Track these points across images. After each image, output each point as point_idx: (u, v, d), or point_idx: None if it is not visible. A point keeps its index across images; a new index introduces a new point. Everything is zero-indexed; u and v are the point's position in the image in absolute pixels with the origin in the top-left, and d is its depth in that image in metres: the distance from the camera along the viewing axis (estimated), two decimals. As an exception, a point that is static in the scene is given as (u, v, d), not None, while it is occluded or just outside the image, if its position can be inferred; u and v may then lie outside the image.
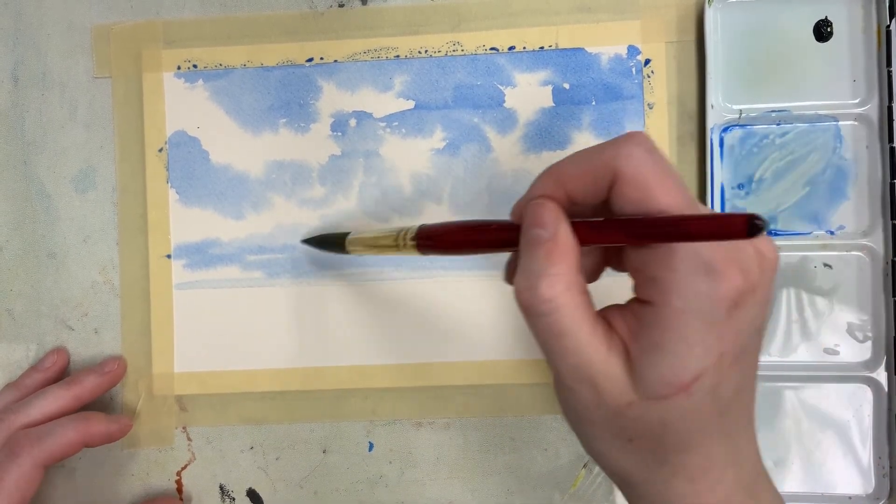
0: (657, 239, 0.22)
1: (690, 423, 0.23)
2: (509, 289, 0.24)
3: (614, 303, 0.25)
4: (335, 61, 0.39)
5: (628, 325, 0.23)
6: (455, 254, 0.29)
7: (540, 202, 0.24)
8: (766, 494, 0.26)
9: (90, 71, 0.40)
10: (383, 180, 0.39)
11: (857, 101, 0.37)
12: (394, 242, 0.30)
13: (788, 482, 0.38)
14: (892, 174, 0.37)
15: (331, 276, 0.39)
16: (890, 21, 0.37)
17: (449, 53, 0.39)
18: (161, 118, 0.40)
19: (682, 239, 0.21)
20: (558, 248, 0.23)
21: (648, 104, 0.38)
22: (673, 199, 0.22)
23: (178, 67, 0.40)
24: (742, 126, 0.38)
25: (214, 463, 0.40)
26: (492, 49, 0.39)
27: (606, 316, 0.24)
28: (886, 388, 0.37)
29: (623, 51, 0.38)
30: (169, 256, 0.40)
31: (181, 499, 0.40)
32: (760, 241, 0.23)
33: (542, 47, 0.39)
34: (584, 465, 0.39)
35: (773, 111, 0.38)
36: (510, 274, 0.26)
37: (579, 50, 0.38)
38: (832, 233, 0.38)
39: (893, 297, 0.37)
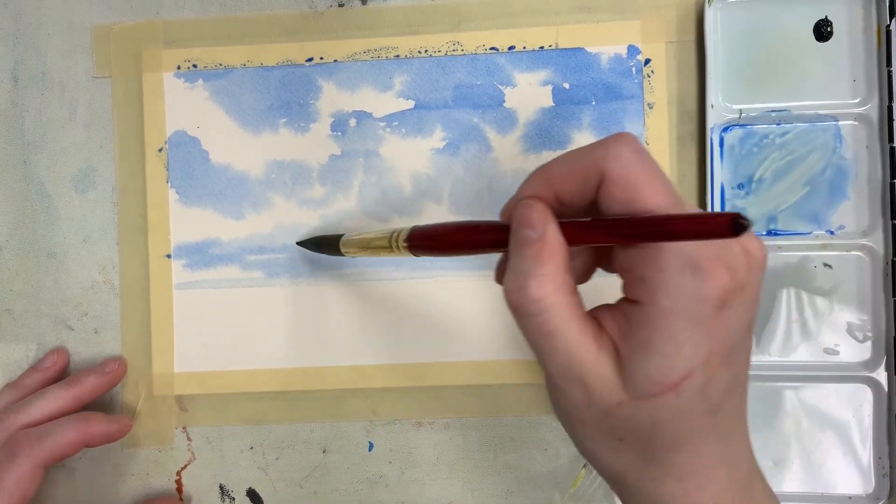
0: (643, 239, 0.22)
1: (680, 423, 0.23)
2: None
3: (606, 303, 0.25)
4: (335, 61, 0.39)
5: (618, 324, 0.24)
6: (447, 255, 0.29)
7: (528, 202, 0.24)
8: (761, 494, 0.26)
9: (90, 71, 0.40)
10: (383, 180, 0.39)
11: (857, 100, 0.37)
12: (387, 244, 0.31)
13: (788, 482, 0.38)
14: (892, 174, 0.37)
15: (331, 276, 0.39)
16: (890, 21, 0.37)
17: (449, 53, 0.39)
18: (161, 118, 0.40)
19: (668, 238, 0.21)
20: (547, 248, 0.23)
21: (648, 104, 0.38)
22: (660, 199, 0.22)
23: (178, 67, 0.40)
24: (742, 126, 0.38)
25: (214, 463, 0.40)
26: (492, 49, 0.39)
27: (596, 316, 0.24)
28: (886, 388, 0.37)
29: (623, 51, 0.38)
30: (169, 256, 0.40)
31: (181, 499, 0.40)
32: (748, 240, 0.24)
33: (542, 47, 0.39)
34: (584, 465, 0.39)
35: (773, 111, 0.38)
36: (500, 274, 0.26)
37: (579, 50, 0.38)
38: (832, 233, 0.38)
39: (893, 297, 0.37)
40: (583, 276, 0.26)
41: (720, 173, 0.38)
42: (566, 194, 0.24)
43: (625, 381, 0.23)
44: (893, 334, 0.37)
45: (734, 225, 0.19)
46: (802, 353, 0.38)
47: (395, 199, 0.39)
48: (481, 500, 0.39)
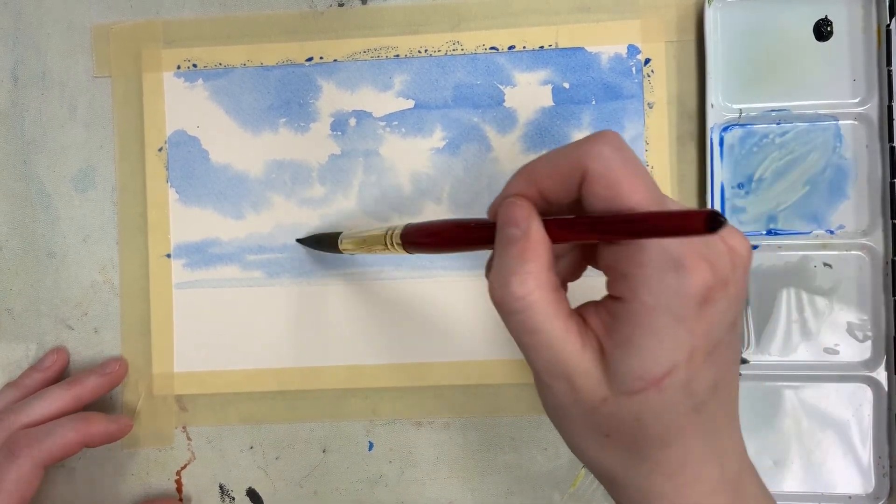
0: (623, 235, 0.22)
1: (664, 419, 0.23)
2: None
3: (592, 301, 0.25)
4: (335, 61, 0.39)
5: (602, 321, 0.24)
6: (438, 252, 0.29)
7: (512, 201, 0.24)
8: (753, 490, 0.26)
9: (90, 70, 0.40)
10: (383, 180, 0.39)
11: (856, 100, 0.37)
12: (383, 241, 0.31)
13: (788, 482, 0.38)
14: (892, 173, 0.37)
15: (331, 276, 0.39)
16: (890, 20, 0.37)
17: (449, 53, 0.39)
18: (161, 118, 0.40)
19: (646, 235, 0.21)
20: (530, 245, 0.23)
21: (648, 103, 0.38)
22: (641, 196, 0.22)
23: (178, 67, 0.40)
24: (742, 125, 0.38)
25: (214, 463, 0.40)
26: (492, 48, 0.39)
27: (582, 313, 0.24)
28: (886, 388, 0.37)
29: (623, 50, 0.38)
30: (169, 256, 0.40)
31: (181, 498, 0.40)
32: (732, 237, 0.24)
33: (541, 47, 0.39)
34: (584, 465, 0.39)
35: (772, 110, 0.38)
36: (489, 271, 0.26)
37: (579, 49, 0.38)
38: (832, 232, 0.38)
39: (893, 296, 0.37)
40: (572, 274, 0.27)
41: (720, 173, 0.38)
42: (550, 192, 0.24)
43: (608, 378, 0.23)
44: (893, 334, 0.37)
45: (710, 221, 0.19)
46: (802, 353, 0.38)
47: (394, 198, 0.39)
48: (481, 499, 0.39)
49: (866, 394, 0.38)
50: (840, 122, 0.38)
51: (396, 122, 0.39)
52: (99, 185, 0.40)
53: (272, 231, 0.40)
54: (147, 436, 0.40)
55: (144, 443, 0.40)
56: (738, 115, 0.38)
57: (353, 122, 0.39)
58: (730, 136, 0.38)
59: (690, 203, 0.38)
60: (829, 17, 0.38)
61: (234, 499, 0.40)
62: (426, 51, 0.39)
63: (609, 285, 0.24)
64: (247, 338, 0.39)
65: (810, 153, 0.38)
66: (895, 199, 0.37)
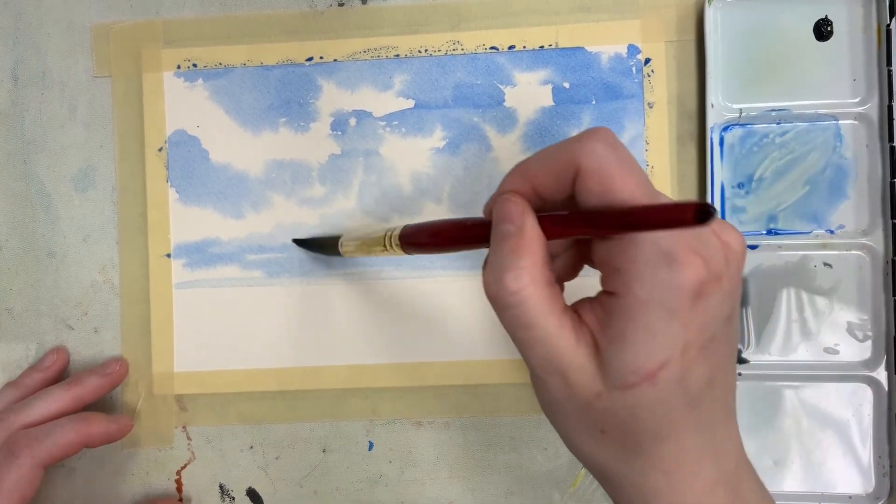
0: (615, 229, 0.22)
1: (659, 414, 0.23)
2: None
3: (586, 297, 0.25)
4: (335, 60, 0.39)
5: (596, 316, 0.24)
6: (437, 251, 0.30)
7: (507, 197, 0.24)
8: (749, 487, 0.26)
9: (90, 70, 0.40)
10: (383, 179, 0.39)
11: (857, 100, 0.37)
12: (382, 243, 0.31)
13: (788, 481, 0.38)
14: (892, 173, 0.37)
15: (331, 276, 0.39)
16: (890, 20, 0.37)
17: (449, 52, 0.39)
18: (161, 117, 0.40)
19: (638, 228, 0.22)
20: (524, 241, 0.23)
21: (648, 103, 0.38)
22: (633, 190, 0.22)
23: (178, 67, 0.40)
24: (742, 125, 0.38)
25: (214, 462, 0.40)
26: (492, 48, 0.39)
27: (576, 309, 0.24)
28: (886, 388, 0.37)
29: (623, 50, 0.38)
30: (169, 256, 0.40)
31: (181, 498, 0.40)
32: (726, 232, 0.24)
33: (542, 46, 0.39)
34: (581, 462, 0.39)
35: (773, 110, 0.38)
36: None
37: (579, 49, 0.38)
38: (832, 232, 0.38)
39: (893, 296, 0.37)
40: (568, 273, 0.27)
41: (720, 172, 0.38)
42: (544, 189, 0.24)
43: (603, 372, 0.23)
44: (893, 334, 0.37)
45: (700, 213, 0.19)
46: (802, 353, 0.38)
47: (394, 198, 0.39)
48: (481, 499, 0.39)
49: (866, 394, 0.38)
50: (840, 121, 0.38)
51: (396, 122, 0.39)
52: (99, 184, 0.40)
53: (272, 231, 0.40)
54: (147, 436, 0.40)
55: (144, 443, 0.40)
56: (738, 114, 0.38)
57: (353, 121, 0.39)
58: (730, 136, 0.38)
59: (690, 203, 0.38)
60: (829, 17, 0.38)
61: (234, 499, 0.40)
62: (426, 51, 0.39)
63: (603, 281, 0.24)
64: (247, 338, 0.39)
65: (810, 153, 0.38)
66: (895, 198, 0.37)
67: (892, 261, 0.37)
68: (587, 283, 0.26)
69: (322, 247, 0.38)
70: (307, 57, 0.39)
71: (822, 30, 0.38)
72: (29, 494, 0.34)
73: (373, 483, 0.40)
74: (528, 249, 0.23)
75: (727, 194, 0.38)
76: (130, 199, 0.40)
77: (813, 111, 0.38)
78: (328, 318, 0.39)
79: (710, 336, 0.23)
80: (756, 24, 0.38)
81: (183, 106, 0.40)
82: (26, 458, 0.33)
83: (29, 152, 0.40)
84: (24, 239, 0.40)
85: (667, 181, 0.38)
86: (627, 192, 0.22)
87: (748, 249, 0.38)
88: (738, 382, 0.38)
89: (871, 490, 0.37)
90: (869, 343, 0.38)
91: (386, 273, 0.39)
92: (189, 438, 0.40)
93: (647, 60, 0.38)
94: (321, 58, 0.39)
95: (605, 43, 0.38)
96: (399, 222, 0.35)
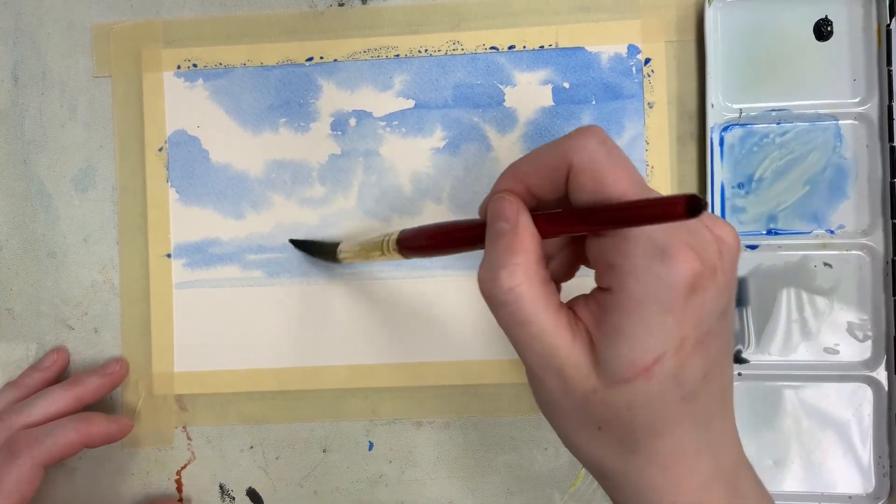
0: (608, 225, 0.22)
1: (654, 409, 0.23)
2: None
3: (581, 294, 0.25)
4: (335, 60, 0.39)
5: (592, 313, 0.24)
6: (434, 254, 0.30)
7: (501, 196, 0.25)
8: (748, 483, 0.26)
9: (90, 70, 0.40)
10: (383, 179, 0.39)
11: (857, 100, 0.37)
12: (380, 248, 0.31)
13: (788, 481, 0.38)
14: (892, 173, 0.37)
15: (331, 276, 0.39)
16: (890, 20, 0.37)
17: (449, 52, 0.39)
18: (161, 117, 0.40)
19: (630, 223, 0.22)
20: (518, 239, 0.23)
21: (648, 103, 0.38)
22: (625, 186, 0.22)
23: (178, 67, 0.40)
24: (742, 125, 0.38)
25: (214, 462, 0.40)
26: (492, 48, 0.39)
27: (572, 306, 0.24)
28: (886, 388, 0.37)
29: (623, 50, 0.38)
30: (169, 256, 0.40)
31: (181, 498, 0.40)
32: (719, 226, 0.24)
33: (542, 46, 0.39)
34: (579, 460, 0.39)
35: (773, 110, 0.38)
36: None
37: (579, 49, 0.38)
38: (832, 232, 0.38)
39: (893, 296, 0.37)
40: (565, 273, 0.27)
41: (720, 172, 0.38)
42: (538, 188, 0.24)
43: (598, 368, 0.23)
44: (893, 334, 0.37)
45: (690, 205, 0.19)
46: (802, 353, 0.38)
47: (394, 198, 0.39)
48: (481, 499, 0.39)
49: (866, 393, 0.38)
50: (840, 121, 0.38)
51: (396, 122, 0.39)
52: (99, 184, 0.40)
53: (272, 231, 0.40)
54: (147, 436, 0.40)
55: (144, 443, 0.40)
56: (738, 114, 0.38)
57: (353, 121, 0.39)
58: (730, 136, 0.38)
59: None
60: (829, 17, 0.38)
61: (234, 499, 0.40)
62: (426, 51, 0.39)
63: (597, 277, 0.24)
64: (247, 338, 0.39)
65: (810, 153, 0.38)
66: (895, 198, 0.37)
67: (892, 261, 0.37)
68: (583, 282, 0.26)
69: (320, 252, 0.38)
70: (307, 57, 0.39)
71: (822, 30, 0.38)
72: (29, 494, 0.34)
73: (373, 483, 0.40)
74: (523, 246, 0.23)
75: (727, 194, 0.38)
76: (130, 199, 0.40)
77: (813, 111, 0.38)
78: (328, 318, 0.39)
79: (706, 330, 0.23)
80: (756, 23, 0.38)
81: (183, 106, 0.40)
82: (26, 459, 0.33)
83: (29, 152, 0.40)
84: (25, 239, 0.40)
85: (667, 181, 0.38)
86: (619, 188, 0.22)
87: (748, 249, 0.38)
88: (737, 382, 0.38)
89: (871, 490, 0.37)
90: (869, 343, 0.38)
91: (386, 273, 0.39)
92: (189, 438, 0.40)
93: (647, 60, 0.38)
94: (321, 58, 0.39)
95: (605, 43, 0.38)
96: (399, 222, 0.36)
